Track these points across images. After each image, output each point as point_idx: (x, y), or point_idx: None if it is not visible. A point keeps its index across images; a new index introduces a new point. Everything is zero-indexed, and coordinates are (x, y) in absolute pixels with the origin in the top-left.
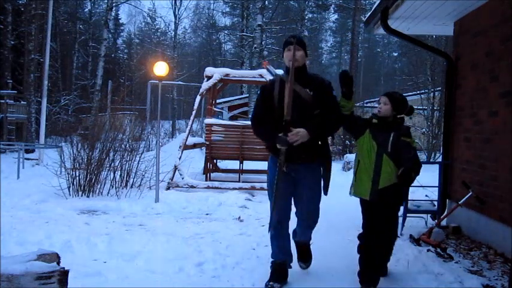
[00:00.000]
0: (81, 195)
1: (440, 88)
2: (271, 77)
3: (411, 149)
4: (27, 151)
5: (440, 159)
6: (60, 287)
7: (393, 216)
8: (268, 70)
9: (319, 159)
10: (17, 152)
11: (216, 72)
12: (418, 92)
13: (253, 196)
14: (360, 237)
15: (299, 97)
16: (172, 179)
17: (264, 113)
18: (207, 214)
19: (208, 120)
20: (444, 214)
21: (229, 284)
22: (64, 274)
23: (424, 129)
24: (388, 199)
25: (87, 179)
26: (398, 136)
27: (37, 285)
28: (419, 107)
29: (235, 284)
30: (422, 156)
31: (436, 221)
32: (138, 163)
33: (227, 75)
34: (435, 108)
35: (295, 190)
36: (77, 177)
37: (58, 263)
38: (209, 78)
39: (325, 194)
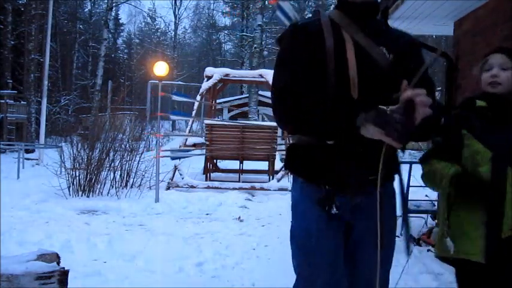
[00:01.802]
0: (81, 195)
1: (440, 88)
2: (287, 21)
3: None
4: (27, 151)
5: None
6: (60, 287)
7: None
8: (280, 10)
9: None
10: (17, 152)
11: (216, 72)
12: None
13: (253, 196)
14: None
15: (367, 57)
16: (172, 179)
17: (304, 80)
18: (207, 214)
19: (208, 121)
20: None
21: (229, 284)
22: (64, 274)
23: None
24: None
25: (87, 179)
26: None
27: (37, 285)
28: None
29: (235, 284)
30: None
31: (436, 221)
32: (138, 163)
33: (227, 75)
34: None
35: (348, 246)
36: (77, 177)
37: (58, 263)
38: (209, 78)
39: (408, 253)
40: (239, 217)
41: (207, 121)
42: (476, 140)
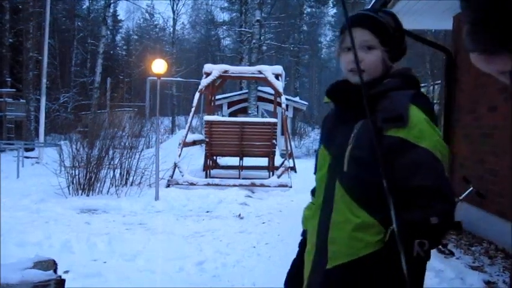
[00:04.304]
0: (81, 194)
1: (440, 81)
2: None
3: (427, 167)
4: (27, 149)
5: None
6: None
7: None
8: None
9: None
10: (16, 151)
11: (215, 69)
12: None
13: (253, 193)
14: None
15: None
16: (172, 177)
17: None
18: (207, 212)
19: (208, 117)
20: None
21: (230, 284)
22: (60, 283)
23: None
24: None
25: (87, 177)
26: (378, 127)
27: None
28: None
29: (236, 283)
30: None
31: None
32: (137, 161)
33: (226, 71)
34: (435, 102)
35: None
36: (77, 176)
37: (55, 271)
38: (208, 75)
39: None
40: (239, 214)
41: (206, 117)
42: (325, 140)
